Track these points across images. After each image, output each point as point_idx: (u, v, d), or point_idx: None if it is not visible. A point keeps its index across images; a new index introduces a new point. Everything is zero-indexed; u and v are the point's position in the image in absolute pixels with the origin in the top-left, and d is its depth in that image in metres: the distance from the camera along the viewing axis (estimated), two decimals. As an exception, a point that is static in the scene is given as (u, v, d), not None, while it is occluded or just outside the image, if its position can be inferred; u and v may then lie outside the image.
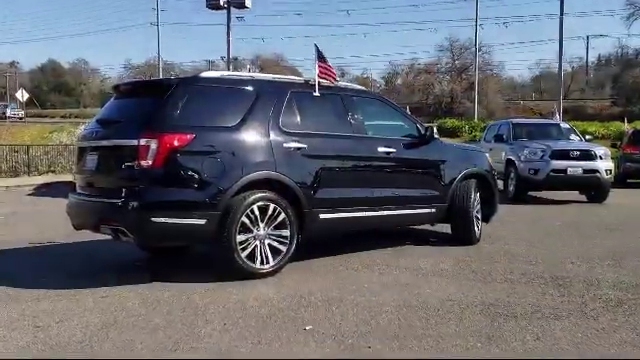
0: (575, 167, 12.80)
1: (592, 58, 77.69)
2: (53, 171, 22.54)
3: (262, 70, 42.43)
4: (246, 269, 5.49)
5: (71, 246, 7.70)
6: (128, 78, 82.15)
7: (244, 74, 6.10)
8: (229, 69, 27.50)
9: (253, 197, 5.53)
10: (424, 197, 7.01)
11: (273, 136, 5.79)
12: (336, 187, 6.21)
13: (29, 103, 58.80)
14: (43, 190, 17.46)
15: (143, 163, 5.20)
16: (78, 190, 6.10)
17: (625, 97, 57.62)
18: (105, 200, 5.45)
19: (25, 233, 8.90)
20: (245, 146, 5.63)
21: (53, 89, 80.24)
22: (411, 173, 7.00)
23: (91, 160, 5.77)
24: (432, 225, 7.70)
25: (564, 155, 12.92)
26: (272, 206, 5.65)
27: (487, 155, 7.96)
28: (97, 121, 5.88)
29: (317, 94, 6.29)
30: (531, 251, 7.02)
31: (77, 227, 6.05)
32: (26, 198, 15.67)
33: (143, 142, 5.21)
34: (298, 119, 6.08)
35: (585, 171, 12.78)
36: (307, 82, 6.34)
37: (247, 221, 5.51)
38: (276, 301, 4.81)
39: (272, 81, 6.22)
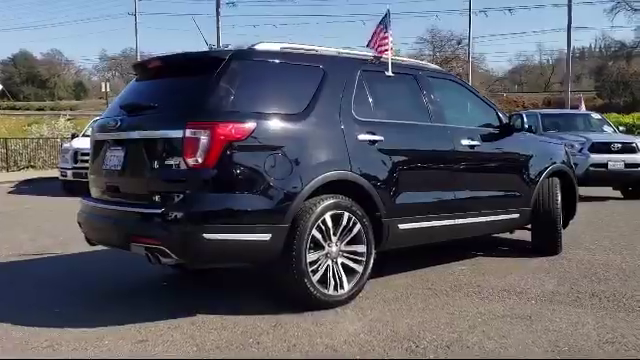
0: (616, 161, 11.74)
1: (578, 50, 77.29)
2: (33, 166, 21.02)
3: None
4: (318, 297, 4.26)
5: (74, 259, 6.43)
6: (104, 69, 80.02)
7: (307, 46, 4.83)
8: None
9: (325, 204, 4.30)
10: (508, 200, 5.83)
11: (345, 126, 4.56)
12: (417, 190, 5.00)
13: (1, 95, 56.43)
14: (25, 187, 16.00)
15: (190, 161, 3.94)
16: (95, 195, 4.80)
17: (610, 89, 57.24)
18: (137, 210, 4.17)
19: (15, 240, 7.56)
20: (314, 139, 4.40)
21: (26, 81, 77.45)
22: (495, 171, 5.81)
23: (114, 157, 4.47)
24: (511, 233, 6.51)
25: (604, 148, 11.86)
26: (346, 215, 4.43)
27: (564, 147, 6.78)
28: (121, 107, 4.57)
29: (390, 74, 5.05)
30: (628, 262, 5.88)
31: (94, 242, 4.75)
32: (8, 197, 14.18)
33: (190, 134, 3.95)
34: (371, 105, 4.84)
35: (627, 165, 11.74)
36: (377, 58, 5.09)
37: (318, 235, 4.29)
38: (379, 348, 3.59)
39: (339, 57, 4.96)
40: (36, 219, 9.76)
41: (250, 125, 4.05)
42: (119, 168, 4.39)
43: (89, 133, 15.01)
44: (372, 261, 4.60)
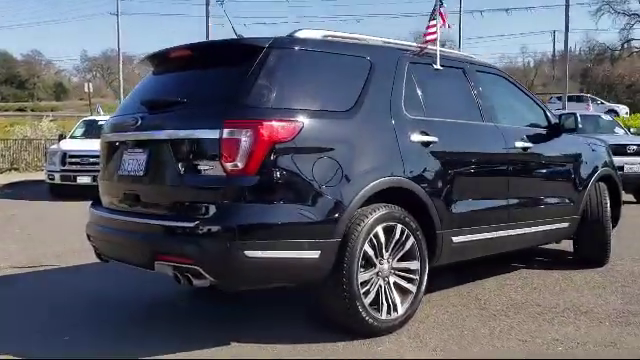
0: (633, 164, 11.32)
1: (558, 52, 77.48)
2: (16, 168, 20.14)
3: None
4: (371, 323, 3.69)
5: (72, 273, 5.82)
6: (84, 70, 78.41)
7: (349, 35, 4.24)
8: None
9: (378, 215, 3.73)
10: (560, 208, 5.30)
11: (397, 125, 4.00)
12: (471, 198, 4.46)
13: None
14: (9, 191, 15.17)
15: (228, 166, 3.35)
16: (108, 204, 4.18)
17: (595, 91, 57.43)
18: (164, 223, 3.56)
19: (5, 251, 6.89)
20: (365, 140, 3.84)
21: (5, 82, 75.84)
22: (547, 176, 5.27)
23: (134, 161, 3.86)
24: (557, 243, 5.98)
25: (620, 151, 11.39)
26: (399, 228, 3.87)
27: (606, 147, 6.25)
28: (142, 103, 3.95)
29: (438, 67, 4.50)
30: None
31: (106, 258, 4.12)
32: (-9, 201, 13.42)
33: (229, 134, 3.36)
34: (422, 101, 4.28)
35: (644, 169, 11.32)
36: (422, 49, 4.52)
37: (370, 251, 3.73)
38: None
39: (385, 47, 4.38)
40: (25, 226, 9.06)
41: (297, 124, 3.48)
42: (140, 173, 3.77)
43: (78, 134, 14.59)
44: (426, 280, 4.05)
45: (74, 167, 12.88)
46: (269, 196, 3.41)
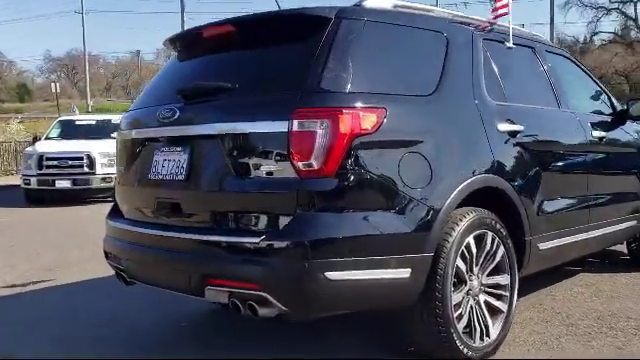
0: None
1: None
2: (-16, 174, 19.03)
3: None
4: (467, 353, 3.06)
5: (70, 293, 5.10)
6: (48, 71, 75.98)
7: (419, 5, 3.55)
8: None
9: (469, 222, 3.09)
10: (633, 204, 4.72)
11: (483, 112, 3.35)
12: (556, 196, 3.86)
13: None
14: (-22, 198, 14.15)
15: (301, 166, 2.66)
16: (132, 215, 3.45)
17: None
18: (218, 239, 2.86)
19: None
20: (452, 130, 3.19)
21: (-35, 83, 73.20)
22: (621, 168, 4.68)
23: (170, 162, 3.13)
24: (621, 243, 5.39)
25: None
26: (490, 236, 3.23)
27: None
28: (178, 92, 3.16)
29: (511, 45, 3.86)
30: None
31: (132, 281, 3.38)
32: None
33: (300, 126, 2.68)
34: (501, 85, 3.64)
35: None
36: (492, 25, 3.87)
37: (462, 266, 3.08)
38: None
39: (458, 20, 3.70)
40: (4, 237, 8.20)
41: (380, 112, 2.80)
42: (180, 177, 3.04)
43: (53, 135, 13.61)
44: (516, 296, 3.41)
45: (52, 170, 11.99)
46: (351, 202, 2.72)
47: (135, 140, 3.42)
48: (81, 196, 12.17)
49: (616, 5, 46.37)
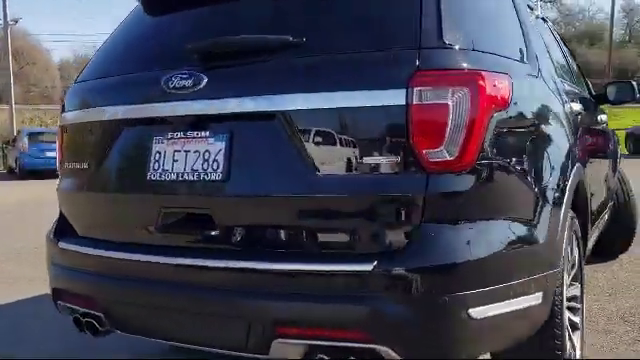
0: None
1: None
2: None
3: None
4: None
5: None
6: None
7: None
8: None
9: (570, 224, 2.46)
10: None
11: (559, 88, 2.76)
12: (596, 188, 3.40)
13: None
14: None
15: (429, 155, 1.82)
16: (103, 234, 2.36)
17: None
18: (292, 268, 1.90)
19: None
20: (555, 111, 2.54)
21: None
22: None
23: (186, 154, 2.08)
24: None
25: None
26: (574, 239, 2.64)
27: None
28: (197, 51, 2.10)
29: (539, 14, 3.32)
30: None
31: (126, 332, 2.28)
32: None
33: (426, 96, 1.82)
34: (552, 58, 3.06)
35: None
36: None
37: (567, 279, 2.47)
38: None
39: None
40: None
41: (508, 80, 2.04)
42: (215, 176, 2.00)
43: None
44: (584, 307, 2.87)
45: None
46: (491, 208, 1.94)
47: (109, 123, 2.31)
48: None
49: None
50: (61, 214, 2.57)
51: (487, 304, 1.87)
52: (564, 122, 2.60)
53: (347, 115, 1.89)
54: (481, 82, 1.86)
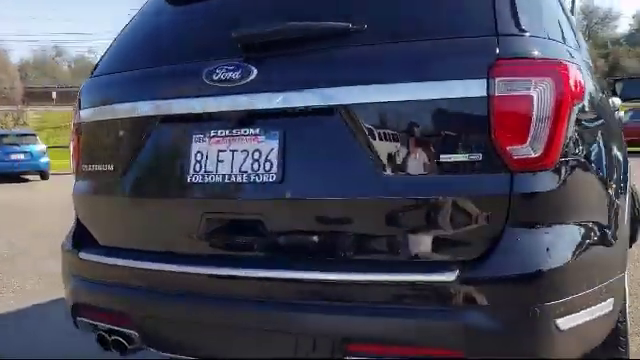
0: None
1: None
2: None
3: None
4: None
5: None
6: None
7: None
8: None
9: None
10: None
11: (597, 79, 2.66)
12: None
13: None
14: None
15: (513, 152, 1.66)
16: (133, 242, 2.16)
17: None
18: (363, 279, 1.72)
19: None
20: (605, 106, 2.43)
21: None
22: None
23: (233, 154, 1.88)
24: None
25: None
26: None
27: None
28: (241, 41, 1.88)
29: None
30: None
31: (166, 352, 2.08)
32: None
33: (506, 87, 1.66)
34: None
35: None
36: None
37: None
38: None
39: None
40: None
41: (579, 69, 1.90)
42: (268, 178, 1.81)
43: None
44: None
45: None
46: (573, 209, 1.80)
47: (138, 120, 2.09)
48: None
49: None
50: (78, 221, 2.34)
51: (571, 313, 1.73)
52: (615, 115, 2.50)
53: (417, 109, 1.72)
54: (564, 72, 1.72)
